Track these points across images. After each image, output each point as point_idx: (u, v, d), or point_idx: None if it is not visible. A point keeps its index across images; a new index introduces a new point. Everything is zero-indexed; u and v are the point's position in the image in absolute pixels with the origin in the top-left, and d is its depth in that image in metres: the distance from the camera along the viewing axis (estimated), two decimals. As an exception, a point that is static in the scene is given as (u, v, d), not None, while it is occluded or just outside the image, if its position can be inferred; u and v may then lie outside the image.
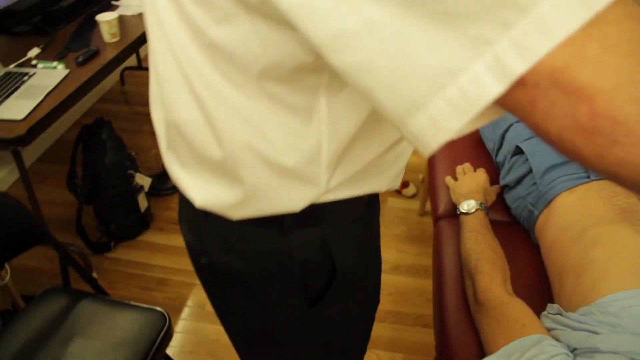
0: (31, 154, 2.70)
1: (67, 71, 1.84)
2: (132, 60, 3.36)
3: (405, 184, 2.44)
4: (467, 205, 1.24)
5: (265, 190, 0.67)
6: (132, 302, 1.47)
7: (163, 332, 1.39)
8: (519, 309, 1.00)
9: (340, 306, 0.90)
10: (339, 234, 0.78)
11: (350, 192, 0.75)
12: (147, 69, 3.28)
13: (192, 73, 0.59)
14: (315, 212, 0.74)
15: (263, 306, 0.87)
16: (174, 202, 2.43)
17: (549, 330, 0.95)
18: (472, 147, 1.53)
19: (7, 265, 1.64)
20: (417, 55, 0.35)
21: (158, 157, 2.69)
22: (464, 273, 1.16)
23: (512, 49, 0.32)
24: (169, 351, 1.68)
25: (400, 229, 2.25)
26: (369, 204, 0.84)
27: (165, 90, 0.68)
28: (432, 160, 1.54)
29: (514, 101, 0.34)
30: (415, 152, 2.69)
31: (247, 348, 1.04)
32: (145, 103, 3.15)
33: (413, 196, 2.41)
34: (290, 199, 0.70)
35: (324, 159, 0.66)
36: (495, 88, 0.33)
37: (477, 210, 1.22)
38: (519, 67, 0.32)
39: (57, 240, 1.45)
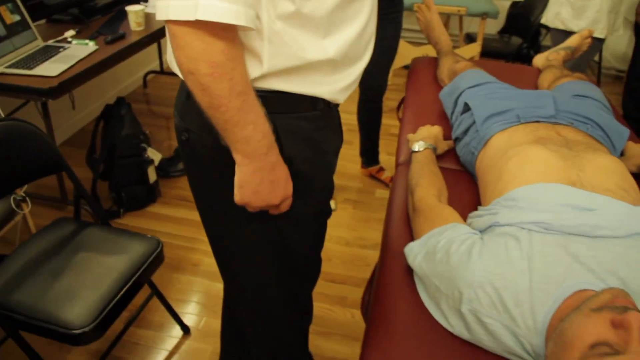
0: (61, 135, 2.96)
1: (96, 47, 2.12)
2: (155, 65, 3.68)
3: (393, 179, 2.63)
4: (418, 146, 1.44)
5: None
6: (134, 231, 1.68)
7: (156, 253, 1.59)
8: (447, 210, 1.18)
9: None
10: (287, 125, 0.97)
11: (293, 85, 0.94)
12: (168, 74, 3.59)
13: None
14: (266, 100, 0.92)
15: (223, 186, 1.01)
16: (181, 182, 2.66)
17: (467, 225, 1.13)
18: (437, 116, 1.75)
19: (27, 199, 1.87)
20: None
21: (170, 146, 2.94)
22: (408, 193, 1.35)
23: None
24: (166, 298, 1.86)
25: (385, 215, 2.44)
26: (323, 113, 1.02)
27: None
28: (401, 128, 1.76)
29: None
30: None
31: (212, 232, 1.19)
32: (163, 104, 3.44)
33: (400, 189, 2.61)
34: None
35: (265, 34, 0.86)
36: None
37: (425, 149, 1.42)
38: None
39: (72, 170, 1.67)
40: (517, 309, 0.91)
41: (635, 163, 1.47)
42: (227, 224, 1.10)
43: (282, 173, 0.96)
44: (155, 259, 1.58)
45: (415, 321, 1.04)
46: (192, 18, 0.75)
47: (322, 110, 1.03)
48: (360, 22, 0.96)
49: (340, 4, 0.89)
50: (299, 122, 1.00)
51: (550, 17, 2.80)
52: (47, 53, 2.05)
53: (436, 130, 1.55)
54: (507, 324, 0.91)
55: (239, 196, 0.95)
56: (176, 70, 0.95)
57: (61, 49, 2.09)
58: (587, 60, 2.80)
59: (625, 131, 1.44)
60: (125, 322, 1.74)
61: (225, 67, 0.80)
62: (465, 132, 1.49)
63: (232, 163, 0.97)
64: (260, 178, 0.92)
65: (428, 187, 1.27)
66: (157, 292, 1.78)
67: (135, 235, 1.64)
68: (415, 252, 1.08)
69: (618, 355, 0.70)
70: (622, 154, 1.55)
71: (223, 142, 0.90)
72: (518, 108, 1.42)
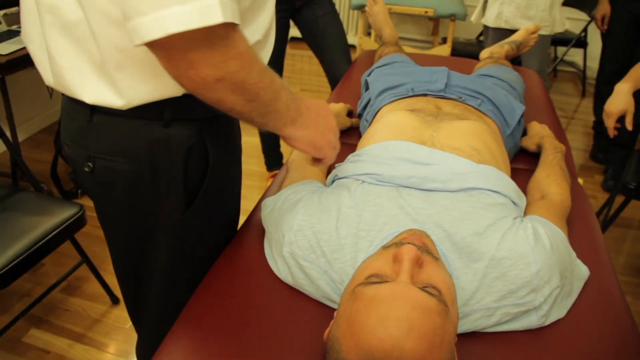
0: (39, 123, 3.11)
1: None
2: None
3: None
4: None
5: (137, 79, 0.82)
6: (62, 198, 1.76)
7: (77, 216, 1.66)
8: (311, 170, 1.22)
9: (209, 211, 1.02)
10: (212, 129, 0.95)
11: None
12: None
13: None
14: (189, 108, 0.88)
15: (145, 209, 0.96)
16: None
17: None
18: (358, 99, 1.80)
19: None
20: None
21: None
22: None
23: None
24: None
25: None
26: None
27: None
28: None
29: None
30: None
31: (123, 262, 1.11)
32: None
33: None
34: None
35: None
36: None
37: None
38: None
39: (7, 136, 1.77)
40: (335, 254, 0.93)
41: (534, 142, 1.49)
42: (136, 239, 1.03)
43: (318, 107, 0.95)
44: (74, 222, 1.66)
45: (254, 270, 1.06)
46: (217, 21, 0.63)
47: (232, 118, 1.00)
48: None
49: None
50: (225, 127, 0.99)
51: (492, 17, 2.74)
52: (8, 36, 2.18)
53: (339, 106, 1.60)
54: (325, 268, 0.93)
55: (327, 158, 0.98)
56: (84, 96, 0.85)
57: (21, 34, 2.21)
58: (542, 57, 2.76)
59: (520, 107, 1.47)
60: (50, 287, 1.82)
61: (250, 52, 0.72)
62: (365, 107, 1.55)
63: (142, 184, 0.92)
64: (314, 125, 0.92)
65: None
66: (87, 261, 1.86)
67: (61, 201, 1.72)
68: (267, 205, 1.11)
69: (383, 282, 0.73)
70: (525, 133, 1.58)
71: (264, 130, 0.85)
72: (411, 82, 1.47)
